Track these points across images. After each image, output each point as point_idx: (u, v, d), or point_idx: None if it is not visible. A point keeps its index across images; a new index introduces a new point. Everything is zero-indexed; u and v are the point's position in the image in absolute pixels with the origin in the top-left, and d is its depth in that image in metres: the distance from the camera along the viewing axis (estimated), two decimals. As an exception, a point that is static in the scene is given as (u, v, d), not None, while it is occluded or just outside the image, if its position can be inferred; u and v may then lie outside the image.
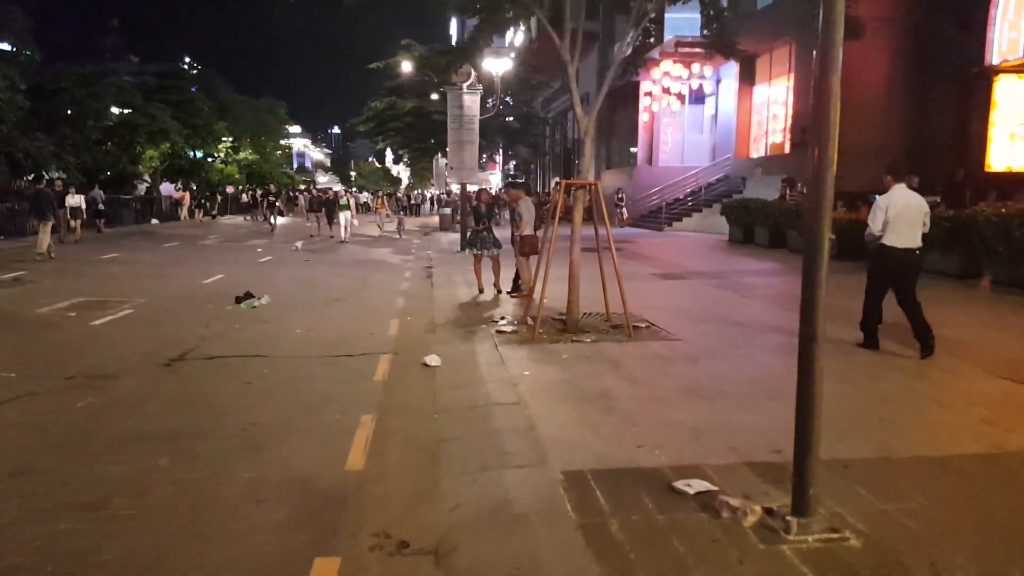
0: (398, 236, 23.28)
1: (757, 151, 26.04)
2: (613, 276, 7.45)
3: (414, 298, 10.36)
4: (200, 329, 7.68)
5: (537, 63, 35.84)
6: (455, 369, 6.07)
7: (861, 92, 20.75)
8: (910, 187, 6.46)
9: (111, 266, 13.76)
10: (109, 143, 26.10)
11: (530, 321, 8.18)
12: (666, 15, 29.26)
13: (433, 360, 6.30)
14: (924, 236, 6.33)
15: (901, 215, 6.13)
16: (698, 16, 29.50)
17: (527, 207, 9.80)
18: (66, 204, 18.49)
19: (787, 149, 23.49)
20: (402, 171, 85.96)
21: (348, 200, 22.47)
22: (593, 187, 7.68)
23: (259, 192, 25.28)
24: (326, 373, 5.99)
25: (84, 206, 19.43)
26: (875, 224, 6.24)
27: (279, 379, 5.78)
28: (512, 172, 52.17)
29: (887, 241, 6.17)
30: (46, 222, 14.71)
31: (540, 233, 9.73)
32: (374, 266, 14.84)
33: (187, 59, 46.40)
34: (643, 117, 29.68)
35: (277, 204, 24.70)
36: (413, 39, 25.38)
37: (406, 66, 24.26)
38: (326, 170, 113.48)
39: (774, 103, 24.95)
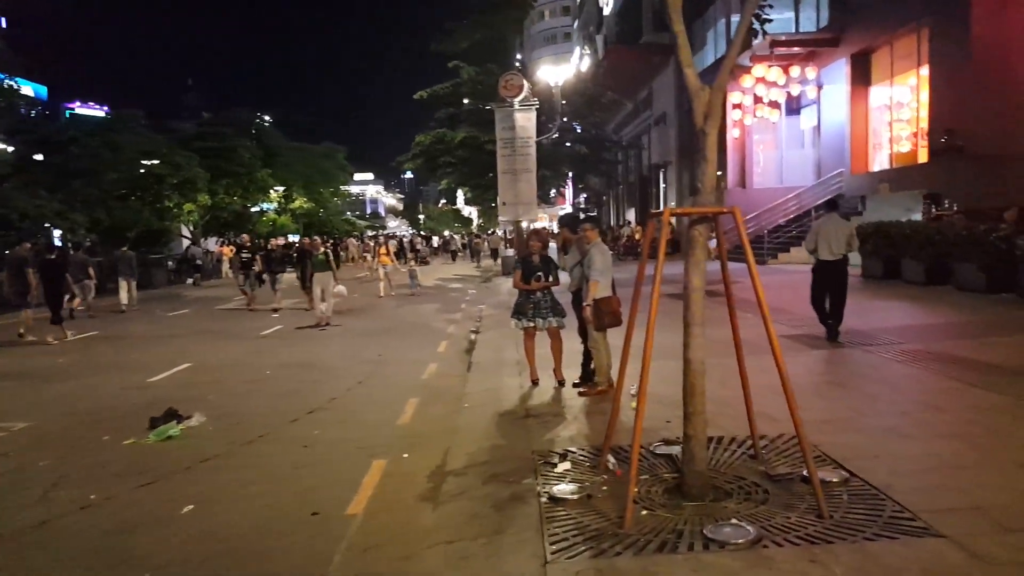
0: (412, 291, 18.28)
1: (879, 164, 21.53)
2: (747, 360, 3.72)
3: (434, 399, 6.89)
4: (16, 514, 4.36)
5: (607, 82, 32.55)
6: None
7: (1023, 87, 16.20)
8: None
9: (72, 352, 10.95)
10: (133, 197, 24.16)
11: (612, 463, 4.58)
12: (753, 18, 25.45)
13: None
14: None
15: (826, 235, 8.04)
16: (792, 15, 25.74)
17: (601, 254, 6.22)
18: None
19: (922, 158, 18.95)
20: (474, 211, 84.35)
21: (327, 254, 13.23)
22: (729, 216, 4.05)
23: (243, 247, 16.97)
24: None
25: None
26: (808, 244, 8.37)
27: None
28: (584, 206, 48.74)
29: (819, 256, 8.12)
30: None
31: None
32: (404, 334, 11.54)
33: (259, 114, 45.51)
34: (733, 133, 25.64)
35: (255, 263, 15.98)
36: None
37: (456, 93, 21.40)
38: (396, 214, 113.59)
39: (898, 105, 20.48)
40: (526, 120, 13.12)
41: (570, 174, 33.92)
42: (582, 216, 7.02)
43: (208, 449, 5.44)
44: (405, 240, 34.89)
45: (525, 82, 13.01)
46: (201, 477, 4.89)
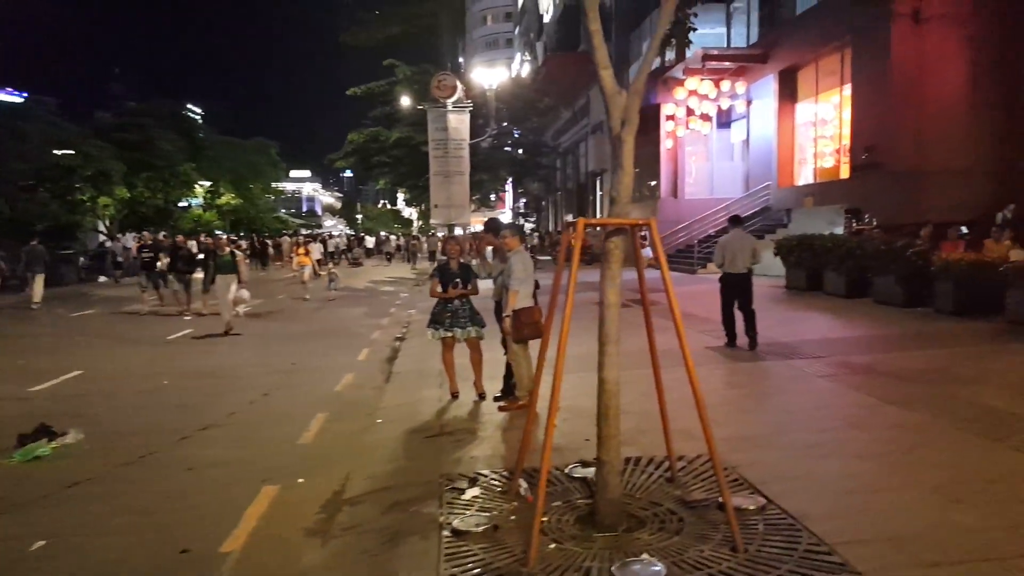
0: (331, 296, 16.97)
1: (804, 178, 22.16)
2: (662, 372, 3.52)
3: (345, 414, 6.47)
4: None
5: (546, 89, 32.54)
6: None
7: (939, 104, 16.85)
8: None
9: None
10: (41, 189, 22.48)
11: (524, 488, 4.31)
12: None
13: None
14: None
15: (732, 250, 8.50)
16: (724, 30, 26.32)
17: (522, 263, 5.95)
18: None
19: (844, 174, 19.58)
20: (415, 212, 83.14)
21: (233, 254, 12.21)
22: (645, 228, 3.85)
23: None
24: None
25: None
26: (716, 258, 8.80)
27: None
28: (523, 210, 48.73)
29: (726, 269, 8.58)
30: None
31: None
32: (323, 340, 11.00)
33: (188, 105, 43.59)
34: (666, 144, 26.04)
35: (159, 262, 14.78)
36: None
37: (392, 92, 20.84)
38: (334, 213, 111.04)
39: (823, 122, 21.13)
40: (459, 122, 12.80)
41: (509, 179, 33.78)
42: (513, 224, 6.64)
43: (78, 472, 4.86)
44: (332, 241, 32.65)
45: (459, 83, 12.67)
46: (62, 506, 4.33)
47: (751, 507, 3.93)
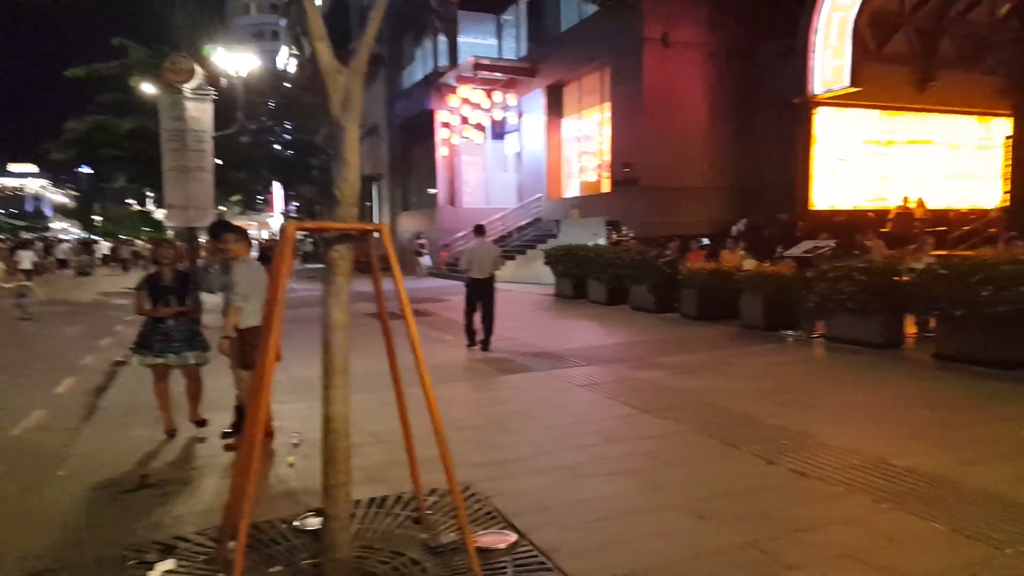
0: (27, 315, 13.62)
1: (571, 191, 23.38)
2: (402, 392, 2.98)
3: (18, 465, 4.96)
4: None
5: (316, 87, 30.78)
6: None
7: (684, 129, 18.68)
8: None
9: None
10: None
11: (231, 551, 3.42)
12: (460, 39, 26.16)
13: None
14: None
15: (475, 257, 9.06)
16: (495, 42, 26.87)
17: (248, 274, 4.98)
18: None
19: (606, 188, 20.95)
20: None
21: None
22: (378, 234, 3.21)
23: None
24: None
25: None
26: (462, 264, 9.36)
27: None
28: (295, 215, 45.94)
29: (471, 274, 9.11)
30: None
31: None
32: (17, 367, 8.85)
33: None
34: (442, 151, 25.96)
35: None
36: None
37: (124, 75, 17.90)
38: (67, 215, 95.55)
39: (586, 138, 22.47)
40: (200, 111, 11.16)
41: (274, 179, 31.35)
42: (230, 224, 5.45)
43: None
44: (37, 246, 26.42)
45: (197, 67, 11.04)
46: None
47: (501, 546, 3.50)
